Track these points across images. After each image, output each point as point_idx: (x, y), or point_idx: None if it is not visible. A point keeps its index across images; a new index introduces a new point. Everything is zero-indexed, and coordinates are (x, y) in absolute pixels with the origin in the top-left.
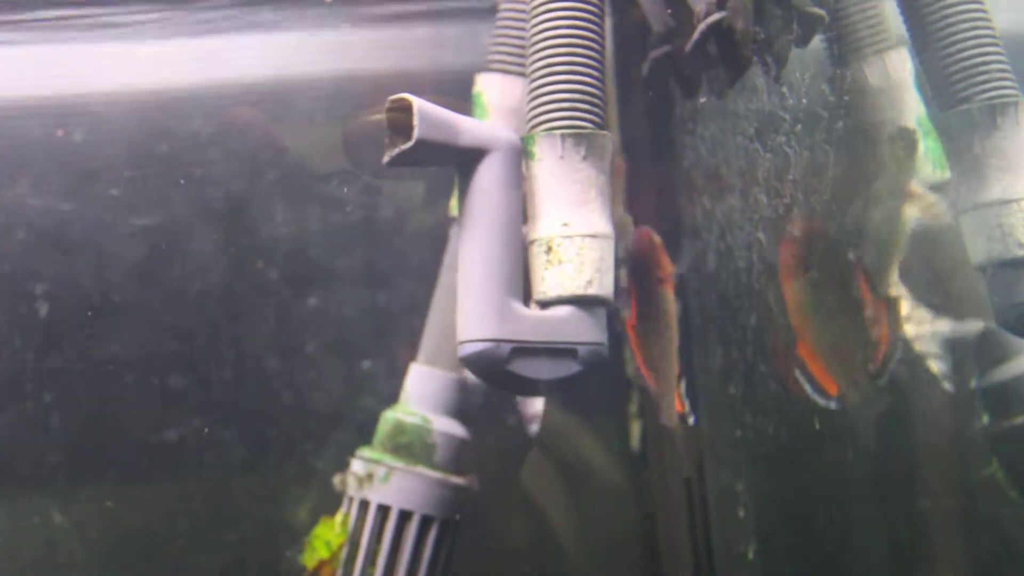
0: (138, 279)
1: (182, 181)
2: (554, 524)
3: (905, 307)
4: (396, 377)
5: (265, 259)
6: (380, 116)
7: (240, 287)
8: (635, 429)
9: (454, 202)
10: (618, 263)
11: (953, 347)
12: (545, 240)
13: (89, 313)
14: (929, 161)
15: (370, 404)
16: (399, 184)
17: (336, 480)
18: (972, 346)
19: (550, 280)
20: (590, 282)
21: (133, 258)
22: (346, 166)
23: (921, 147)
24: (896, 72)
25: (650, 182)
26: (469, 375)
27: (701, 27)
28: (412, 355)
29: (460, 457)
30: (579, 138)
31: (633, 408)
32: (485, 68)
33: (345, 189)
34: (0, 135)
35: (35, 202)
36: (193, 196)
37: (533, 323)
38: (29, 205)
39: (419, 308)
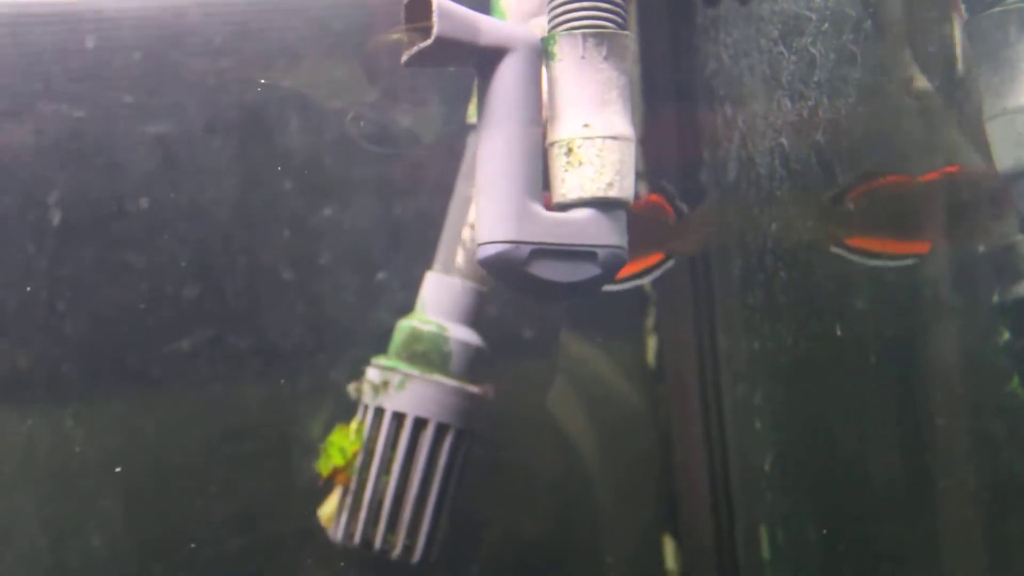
0: (152, 187)
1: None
2: (571, 444)
3: None
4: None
5: (280, 168)
6: (401, 36)
7: (255, 196)
8: (651, 345)
9: (472, 108)
10: None
11: None
12: (565, 142)
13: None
14: None
15: (384, 317)
16: (414, 94)
17: (351, 388)
18: (994, 259)
19: (570, 182)
20: (610, 184)
21: (147, 166)
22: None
23: None
24: None
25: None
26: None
27: None
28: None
29: (476, 366)
30: (600, 38)
31: (649, 323)
32: None
33: (361, 123)
34: (11, 41)
35: (47, 109)
36: (207, 104)
37: (553, 225)
38: (41, 112)
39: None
